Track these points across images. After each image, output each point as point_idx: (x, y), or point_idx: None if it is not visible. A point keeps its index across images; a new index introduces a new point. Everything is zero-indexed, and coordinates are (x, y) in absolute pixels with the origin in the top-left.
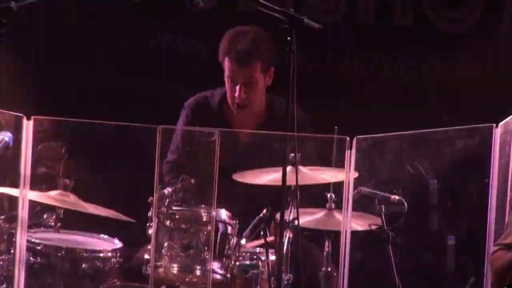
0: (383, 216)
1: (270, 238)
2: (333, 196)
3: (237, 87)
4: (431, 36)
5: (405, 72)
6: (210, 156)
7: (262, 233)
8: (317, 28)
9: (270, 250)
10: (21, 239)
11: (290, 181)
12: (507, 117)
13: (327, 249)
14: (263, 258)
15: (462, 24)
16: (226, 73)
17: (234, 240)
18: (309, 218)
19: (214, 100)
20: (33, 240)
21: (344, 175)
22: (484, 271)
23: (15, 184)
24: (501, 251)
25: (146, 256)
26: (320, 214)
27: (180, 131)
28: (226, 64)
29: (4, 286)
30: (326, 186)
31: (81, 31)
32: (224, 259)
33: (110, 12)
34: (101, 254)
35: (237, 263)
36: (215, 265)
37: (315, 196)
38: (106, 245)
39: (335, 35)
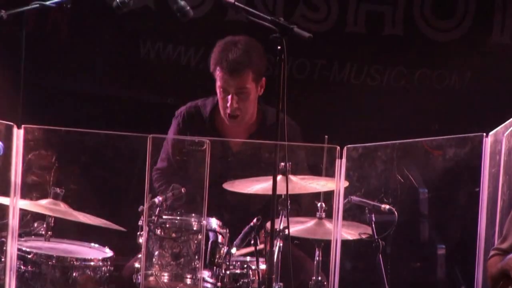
0: (373, 225)
1: (260, 246)
2: (324, 205)
3: (229, 97)
4: (421, 45)
5: (395, 81)
6: (200, 165)
7: (252, 242)
8: (307, 37)
9: (261, 259)
10: (12, 247)
11: (281, 190)
12: (497, 126)
13: (317, 258)
14: (253, 267)
15: (452, 33)
16: (218, 83)
17: (224, 249)
18: (299, 227)
19: (206, 109)
20: (23, 248)
21: (335, 184)
22: (474, 280)
23: (6, 193)
24: (497, 257)
25: (137, 265)
26: (310, 223)
27: (171, 140)
28: (218, 74)
29: None
30: (316, 195)
31: (71, 40)
32: (214, 267)
33: (100, 21)
34: (92, 263)
35: (228, 272)
36: (206, 274)
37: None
38: (97, 253)
39: (326, 44)
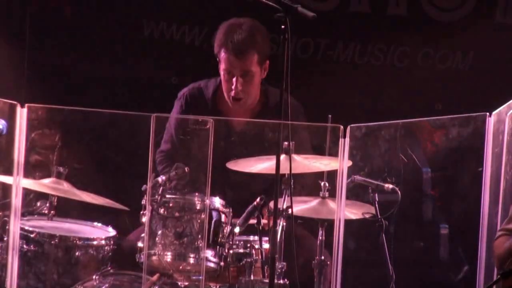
0: (376, 205)
1: (263, 221)
2: (327, 185)
3: (234, 80)
4: (425, 25)
5: (399, 60)
6: (204, 145)
7: (256, 221)
8: (311, 16)
9: (264, 238)
10: (15, 226)
11: (284, 169)
12: (500, 105)
13: (320, 238)
14: (256, 246)
15: (456, 13)
16: (223, 65)
17: (227, 228)
18: (302, 206)
19: (208, 91)
20: (26, 228)
21: (338, 163)
22: (477, 259)
23: (9, 172)
24: (503, 237)
25: (140, 244)
26: (313, 202)
27: (174, 121)
28: (222, 56)
29: None
30: (320, 175)
31: (75, 19)
32: (217, 247)
33: (103, 0)
34: (95, 242)
35: (231, 251)
36: (209, 253)
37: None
38: (100, 233)
39: (329, 23)
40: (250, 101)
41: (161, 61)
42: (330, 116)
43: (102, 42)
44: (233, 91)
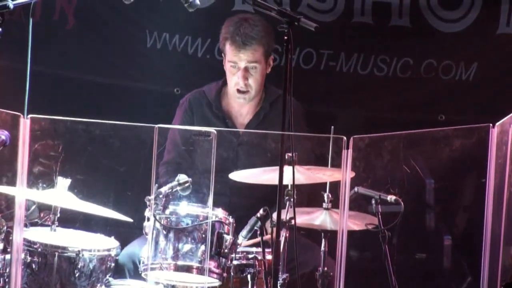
0: (379, 216)
1: (266, 237)
2: (330, 196)
3: (239, 73)
4: (428, 36)
5: (402, 72)
6: (207, 155)
7: (258, 232)
8: (314, 27)
9: (267, 250)
10: (18, 237)
11: (287, 180)
12: (504, 117)
13: (323, 249)
14: (259, 257)
15: (458, 24)
16: (228, 58)
17: (230, 240)
18: (306, 217)
19: (211, 92)
20: (29, 239)
21: (341, 174)
22: (481, 271)
23: (12, 183)
24: None
25: (143, 255)
26: (316, 213)
27: (178, 130)
28: (228, 48)
29: (1, 284)
30: (323, 186)
31: (78, 30)
32: (220, 258)
33: (107, 11)
34: (98, 253)
35: (234, 263)
36: (212, 264)
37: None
38: (103, 244)
39: (332, 34)
40: (254, 94)
41: (164, 72)
42: (332, 127)
43: (105, 53)
44: (240, 81)
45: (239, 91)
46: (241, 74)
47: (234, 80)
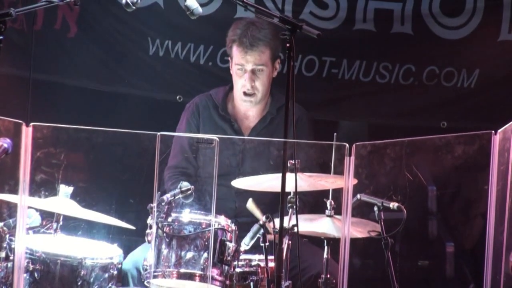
0: (382, 223)
1: (269, 236)
2: (332, 203)
3: (246, 75)
4: (430, 42)
5: (404, 78)
6: (211, 161)
7: (261, 239)
8: (316, 34)
9: (269, 257)
10: (21, 246)
11: (290, 187)
12: (506, 123)
13: (326, 256)
14: (262, 264)
15: (460, 31)
16: (235, 61)
17: (233, 247)
18: (308, 224)
19: (218, 96)
20: (32, 247)
21: (343, 181)
22: (483, 278)
23: (14, 191)
24: None
25: (146, 263)
26: (319, 220)
27: (184, 132)
28: (235, 50)
29: None
30: (325, 193)
31: (80, 37)
32: (223, 265)
33: (109, 18)
34: (101, 261)
35: (236, 270)
36: (214, 272)
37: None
38: (105, 252)
39: (334, 41)
40: (260, 97)
41: (166, 79)
42: (335, 134)
43: (107, 60)
44: (247, 82)
45: (245, 93)
46: (248, 76)
47: (240, 83)
